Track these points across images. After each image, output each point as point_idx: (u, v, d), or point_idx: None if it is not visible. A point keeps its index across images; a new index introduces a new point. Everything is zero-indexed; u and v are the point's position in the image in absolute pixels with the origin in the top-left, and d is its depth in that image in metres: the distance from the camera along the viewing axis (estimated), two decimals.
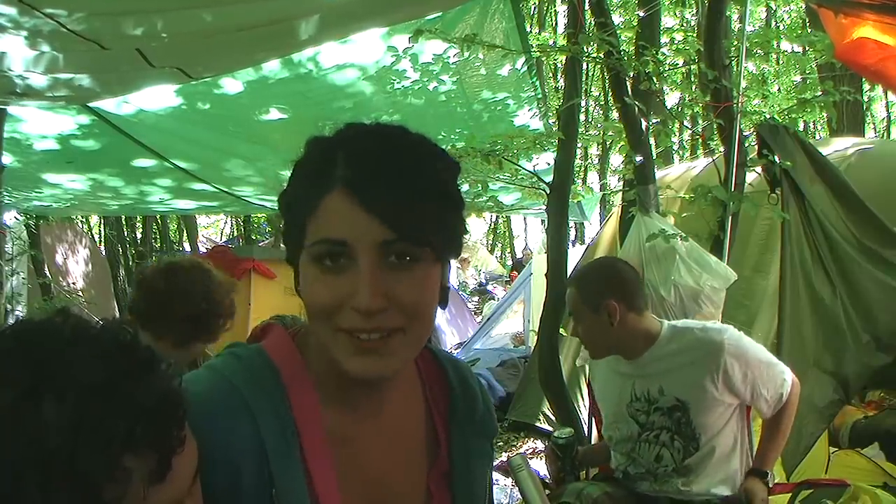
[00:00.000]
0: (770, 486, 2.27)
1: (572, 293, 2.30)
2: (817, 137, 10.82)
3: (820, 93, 3.99)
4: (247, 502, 0.82)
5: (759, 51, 4.27)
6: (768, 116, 3.90)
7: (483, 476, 1.02)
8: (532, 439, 5.86)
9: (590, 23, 4.30)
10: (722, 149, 3.57)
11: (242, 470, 0.82)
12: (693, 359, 2.18)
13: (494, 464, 1.10)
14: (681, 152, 12.85)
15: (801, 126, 7.90)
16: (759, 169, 3.50)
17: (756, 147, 3.47)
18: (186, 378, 0.87)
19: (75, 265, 9.22)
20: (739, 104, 3.40)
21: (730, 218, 3.31)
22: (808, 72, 7.13)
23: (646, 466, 2.32)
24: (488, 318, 9.05)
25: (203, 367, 0.91)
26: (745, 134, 3.50)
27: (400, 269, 0.80)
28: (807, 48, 5.69)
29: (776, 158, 3.32)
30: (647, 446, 2.30)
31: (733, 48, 3.67)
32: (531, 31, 11.99)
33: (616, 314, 2.20)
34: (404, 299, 0.80)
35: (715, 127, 3.50)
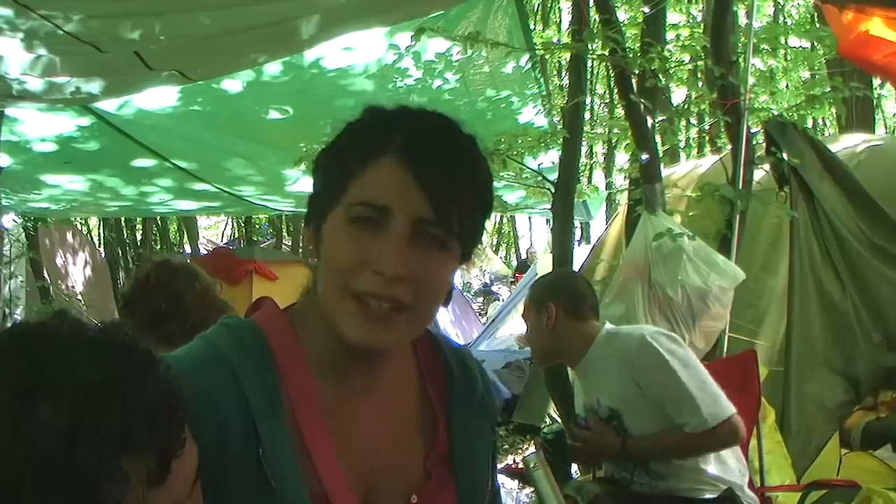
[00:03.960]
0: (621, 450, 2.21)
1: (526, 297, 2.43)
2: (826, 134, 10.78)
3: (829, 89, 3.99)
4: (235, 461, 0.84)
5: (766, 47, 4.26)
6: (776, 113, 3.90)
7: (485, 457, 1.04)
8: None
9: (594, 19, 4.29)
10: (729, 146, 3.56)
11: (230, 430, 0.84)
12: (615, 365, 2.21)
13: (500, 466, 1.10)
14: (687, 150, 12.79)
15: (809, 123, 7.87)
16: (767, 166, 3.50)
17: (764, 144, 3.47)
18: (179, 349, 0.90)
19: (74, 268, 9.23)
20: (747, 101, 3.40)
21: (737, 216, 3.30)
22: (816, 68, 7.11)
23: (622, 465, 2.35)
24: (493, 320, 9.05)
25: (196, 337, 0.93)
26: (752, 131, 3.50)
27: (427, 250, 0.83)
28: (815, 44, 5.67)
29: (784, 156, 3.31)
30: None
31: (740, 44, 3.66)
32: (535, 29, 11.98)
33: (553, 316, 2.27)
34: (422, 278, 0.83)
35: (722, 124, 3.50)
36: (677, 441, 2.18)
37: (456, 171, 0.84)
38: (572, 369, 2.39)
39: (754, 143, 3.52)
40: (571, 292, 2.35)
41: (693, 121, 5.78)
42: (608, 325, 2.34)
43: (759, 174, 3.65)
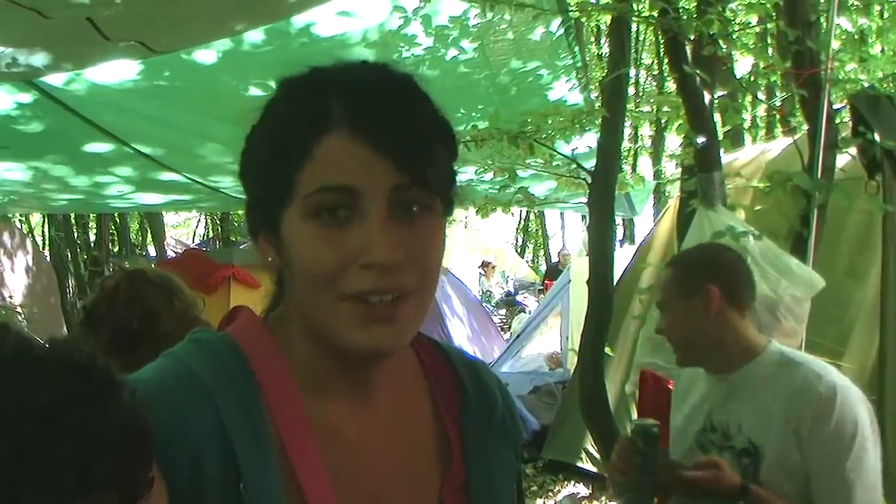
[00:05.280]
0: (737, 494, 2.09)
1: (666, 276, 2.30)
2: None
3: None
4: (211, 498, 0.84)
5: (856, 2, 4.24)
6: (867, 85, 3.88)
7: (508, 487, 1.05)
8: (573, 482, 5.84)
9: None
10: (805, 126, 3.55)
11: (205, 462, 0.84)
12: (781, 399, 2.10)
13: None
14: (753, 132, 12.77)
15: None
16: (853, 150, 3.48)
17: (850, 123, 3.44)
18: (142, 369, 0.91)
19: (12, 275, 9.28)
20: (829, 71, 3.38)
21: (815, 211, 3.28)
22: None
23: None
24: (518, 335, 9.07)
25: (161, 355, 0.94)
26: (835, 107, 3.48)
27: (411, 220, 0.85)
28: None
29: (876, 137, 3.29)
30: None
31: (822, 0, 3.64)
32: None
33: (714, 302, 2.15)
34: (420, 253, 0.85)
35: (797, 99, 3.48)
36: None
37: (412, 122, 0.85)
38: (714, 374, 2.25)
39: (837, 121, 3.50)
40: (733, 273, 2.24)
41: (761, 96, 5.77)
42: (775, 343, 2.24)
43: (843, 160, 3.63)
